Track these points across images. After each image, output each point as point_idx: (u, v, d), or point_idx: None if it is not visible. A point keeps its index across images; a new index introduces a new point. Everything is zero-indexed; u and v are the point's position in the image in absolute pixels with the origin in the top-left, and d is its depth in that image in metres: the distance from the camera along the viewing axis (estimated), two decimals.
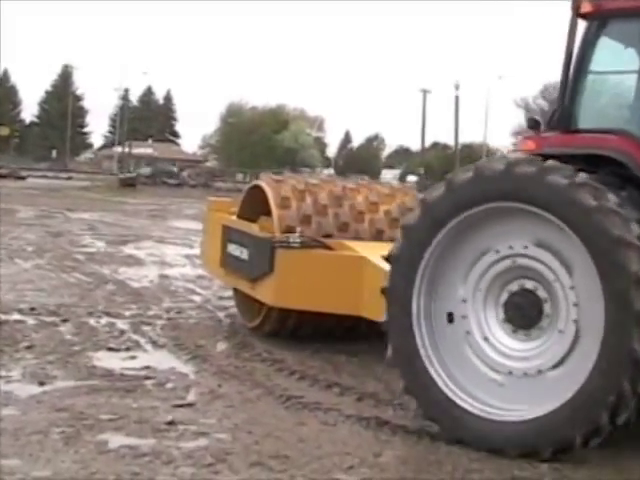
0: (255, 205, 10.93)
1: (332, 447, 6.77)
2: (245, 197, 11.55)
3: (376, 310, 8.92)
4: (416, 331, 7.36)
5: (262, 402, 7.96)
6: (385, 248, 9.57)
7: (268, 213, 10.48)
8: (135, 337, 10.31)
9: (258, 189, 10.94)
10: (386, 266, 8.97)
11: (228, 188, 70.09)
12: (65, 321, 10.88)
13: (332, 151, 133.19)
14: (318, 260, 9.78)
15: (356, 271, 9.45)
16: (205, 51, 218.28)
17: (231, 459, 6.35)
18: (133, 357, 9.39)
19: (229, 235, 11.13)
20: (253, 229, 10.54)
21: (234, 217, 11.50)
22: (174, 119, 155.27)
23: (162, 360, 9.29)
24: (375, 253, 9.43)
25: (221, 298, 13.51)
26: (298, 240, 9.79)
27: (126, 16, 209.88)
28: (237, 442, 6.75)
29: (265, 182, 10.75)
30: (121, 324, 10.99)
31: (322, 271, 9.70)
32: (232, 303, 12.94)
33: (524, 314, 7.15)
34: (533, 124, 8.21)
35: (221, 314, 12.16)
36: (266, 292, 10.05)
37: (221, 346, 10.17)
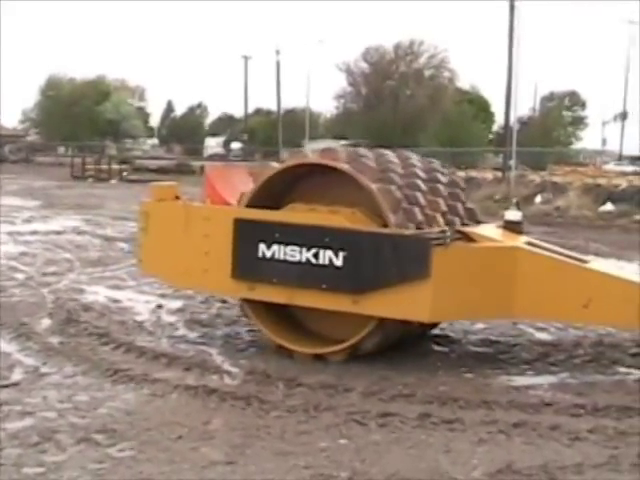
0: (279, 190, 8.89)
1: (160, 418, 6.77)
2: (268, 180, 8.79)
3: (534, 309, 8.29)
4: None
5: (88, 377, 7.86)
6: (514, 236, 8.62)
7: (295, 200, 8.75)
8: None
9: (292, 170, 8.78)
10: (550, 254, 8.24)
11: (50, 162, 68.86)
12: None
13: (155, 121, 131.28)
14: (475, 257, 8.22)
15: (511, 265, 8.15)
16: (21, 23, 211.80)
17: (58, 437, 6.26)
18: None
19: (263, 233, 8.49)
20: (344, 224, 8.18)
21: (243, 207, 8.83)
22: None
23: None
24: (516, 241, 8.50)
25: (45, 274, 13.26)
26: (449, 234, 7.97)
27: None
28: (63, 419, 6.66)
29: (350, 166, 8.35)
30: None
31: (478, 270, 8.13)
32: (55, 279, 12.77)
33: None
34: None
35: (45, 290, 11.91)
36: (415, 305, 7.93)
37: (45, 323, 9.94)
